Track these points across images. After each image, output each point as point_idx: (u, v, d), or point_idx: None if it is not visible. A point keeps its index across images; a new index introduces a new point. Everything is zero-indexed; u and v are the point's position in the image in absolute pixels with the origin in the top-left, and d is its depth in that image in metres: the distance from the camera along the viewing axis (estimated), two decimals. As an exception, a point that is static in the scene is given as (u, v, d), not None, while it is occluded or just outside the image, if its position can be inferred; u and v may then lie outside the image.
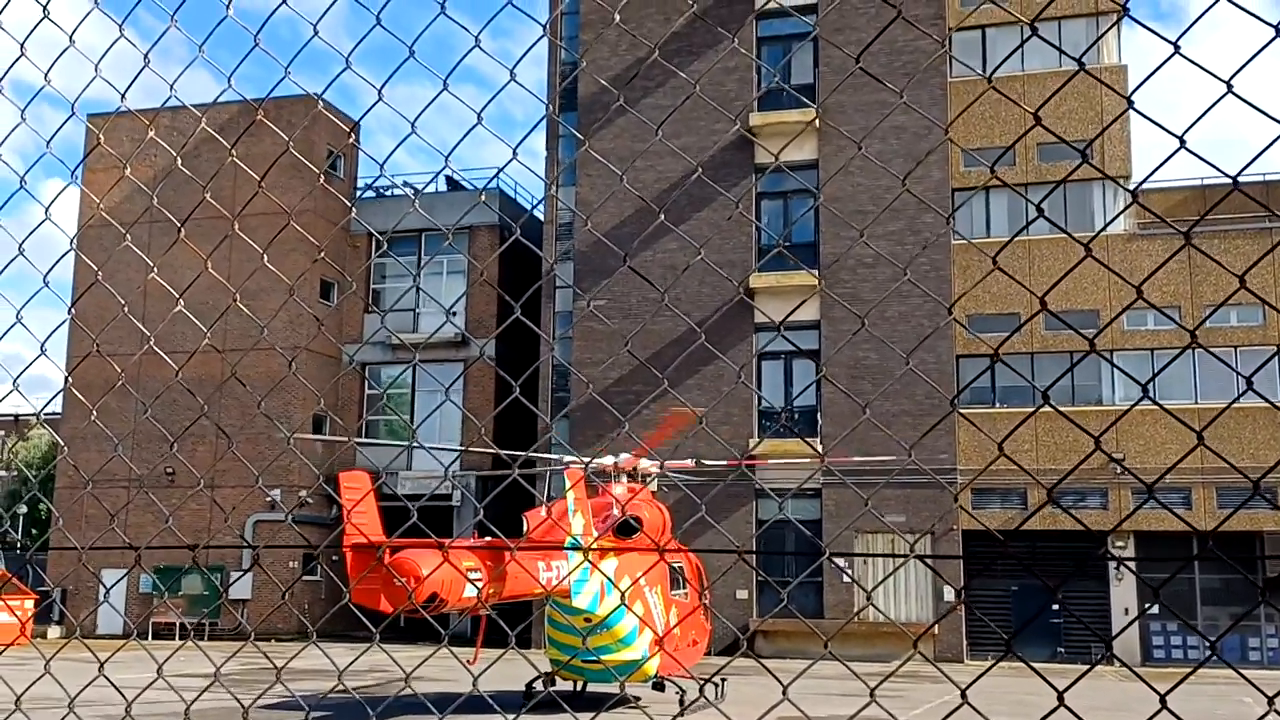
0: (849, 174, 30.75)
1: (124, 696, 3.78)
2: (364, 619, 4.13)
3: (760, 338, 32.01)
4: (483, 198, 35.70)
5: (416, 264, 38.30)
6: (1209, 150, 2.50)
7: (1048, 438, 30.19)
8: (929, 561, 28.94)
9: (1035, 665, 2.59)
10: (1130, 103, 2.72)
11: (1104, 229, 3.94)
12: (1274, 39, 2.16)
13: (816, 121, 31.71)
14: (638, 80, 32.75)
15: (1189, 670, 2.37)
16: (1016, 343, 30.96)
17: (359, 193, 40.27)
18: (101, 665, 3.73)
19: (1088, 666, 2.52)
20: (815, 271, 31.21)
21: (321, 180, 35.98)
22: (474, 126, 2.78)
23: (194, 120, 32.86)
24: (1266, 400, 2.37)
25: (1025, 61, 32.43)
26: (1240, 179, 2.51)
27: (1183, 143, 2.48)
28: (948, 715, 2.27)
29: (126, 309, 4.33)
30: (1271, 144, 2.16)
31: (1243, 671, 2.83)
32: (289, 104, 34.91)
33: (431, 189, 38.72)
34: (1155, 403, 2.74)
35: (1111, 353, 30.62)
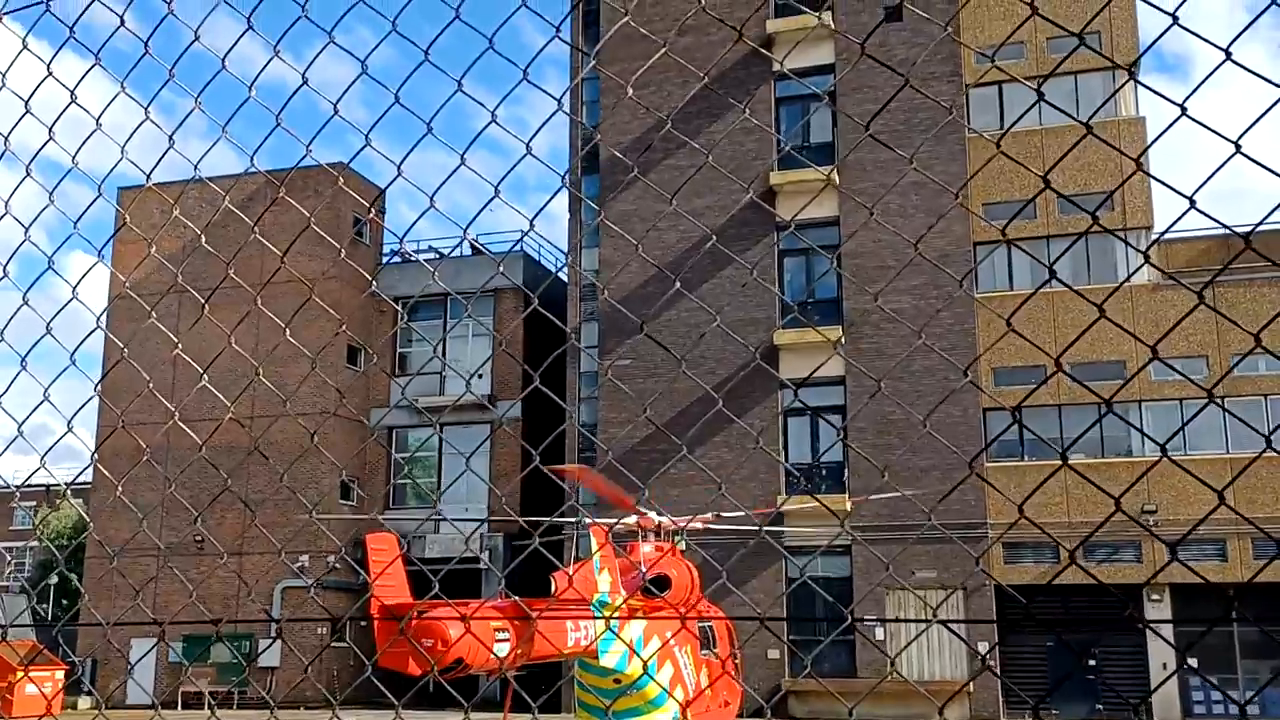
0: (870, 229, 30.86)
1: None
2: (382, 687, 4.13)
3: (786, 394, 31.96)
4: (500, 268, 35.99)
5: (442, 327, 38.57)
6: (1227, 200, 2.54)
7: (1078, 490, 29.87)
8: (953, 626, 28.57)
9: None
10: (1139, 164, 2.76)
11: (1123, 283, 3.97)
12: (1278, 102, 2.20)
13: (836, 179, 31.92)
14: (659, 141, 33.10)
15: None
16: (1043, 395, 30.78)
17: (385, 259, 40.70)
18: None
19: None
20: (836, 328, 31.22)
21: (342, 254, 36.32)
22: (491, 200, 2.84)
23: (223, 190, 33.42)
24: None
25: (1043, 115, 32.56)
26: (1263, 229, 2.55)
27: (1193, 203, 2.52)
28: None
29: (152, 384, 4.39)
30: None
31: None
32: (316, 173, 35.45)
33: (455, 252, 39.10)
34: (1175, 463, 2.75)
35: (1140, 404, 30.39)
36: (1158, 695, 29.52)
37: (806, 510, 29.59)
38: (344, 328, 29.13)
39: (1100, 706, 29.51)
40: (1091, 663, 30.48)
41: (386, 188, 3.37)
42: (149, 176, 3.47)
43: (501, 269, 35.78)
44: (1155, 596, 29.62)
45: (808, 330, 31.45)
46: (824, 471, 32.15)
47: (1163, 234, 2.94)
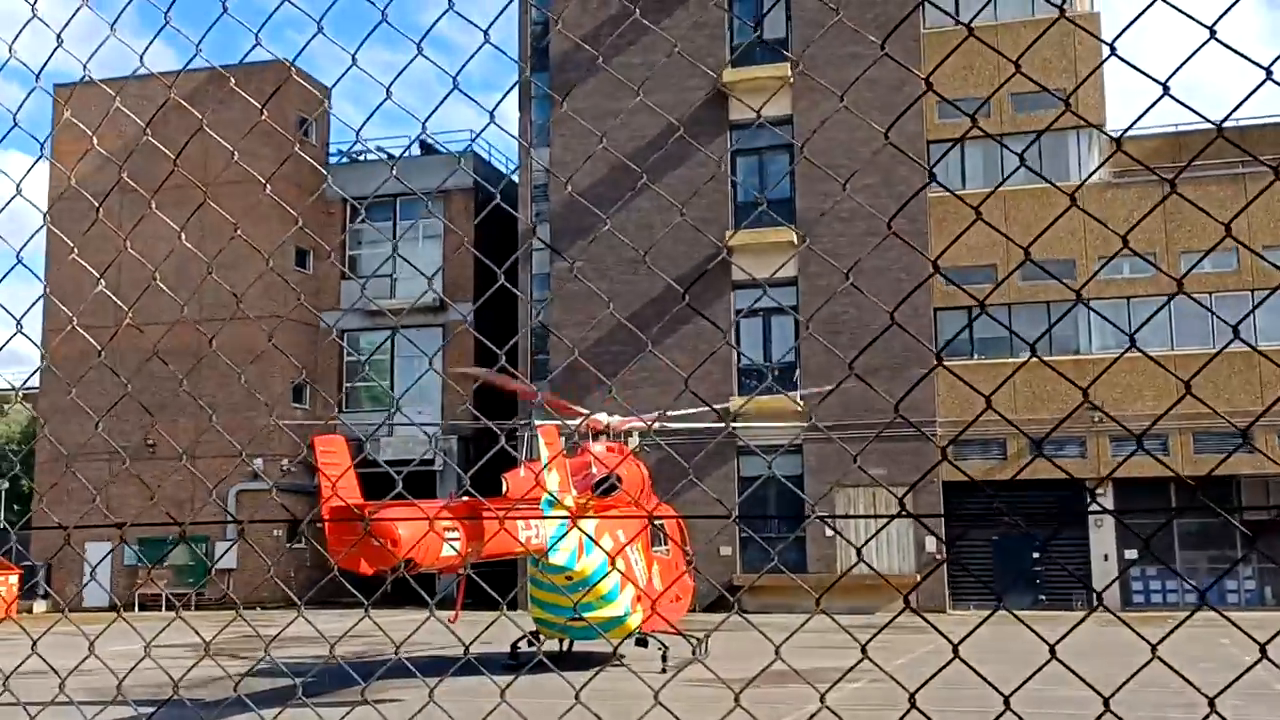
0: (823, 128, 30.63)
1: (114, 674, 3.78)
2: (350, 587, 4.14)
3: (738, 297, 32.02)
4: (461, 163, 35.44)
5: (392, 229, 38.08)
6: (1181, 97, 2.51)
7: (1025, 388, 30.39)
8: (915, 518, 29.07)
9: (1018, 613, 2.62)
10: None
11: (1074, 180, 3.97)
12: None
13: (790, 77, 31.58)
14: (610, 37, 32.48)
15: (1181, 617, 2.39)
16: (994, 295, 31.07)
17: (331, 158, 39.95)
18: (92, 643, 3.73)
19: (1078, 615, 2.55)
20: (790, 228, 31.20)
21: (296, 147, 35.62)
22: (449, 93, 2.74)
23: (162, 88, 32.48)
24: (1249, 344, 2.40)
25: (999, 11, 32.35)
26: (1209, 129, 2.53)
27: (1166, 90, 2.48)
28: (941, 668, 2.29)
29: (99, 286, 4.23)
30: (1247, 97, 2.17)
31: (1222, 613, 2.86)
32: (258, 70, 34.50)
33: (404, 153, 38.44)
34: (1142, 352, 2.76)
35: (1088, 302, 30.79)
36: (1098, 586, 30.44)
37: (758, 414, 29.85)
38: (300, 224, 28.60)
39: (1043, 597, 30.41)
40: (1035, 555, 31.33)
41: (336, 83, 3.23)
42: (85, 65, 3.32)
43: (460, 163, 35.23)
44: (1099, 491, 30.35)
45: (760, 231, 31.38)
46: (776, 373, 32.37)
47: (1129, 127, 2.91)
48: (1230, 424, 2.35)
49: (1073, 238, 30.86)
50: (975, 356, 31.62)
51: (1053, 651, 2.28)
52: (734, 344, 32.01)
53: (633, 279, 31.36)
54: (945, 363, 2.58)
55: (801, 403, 29.47)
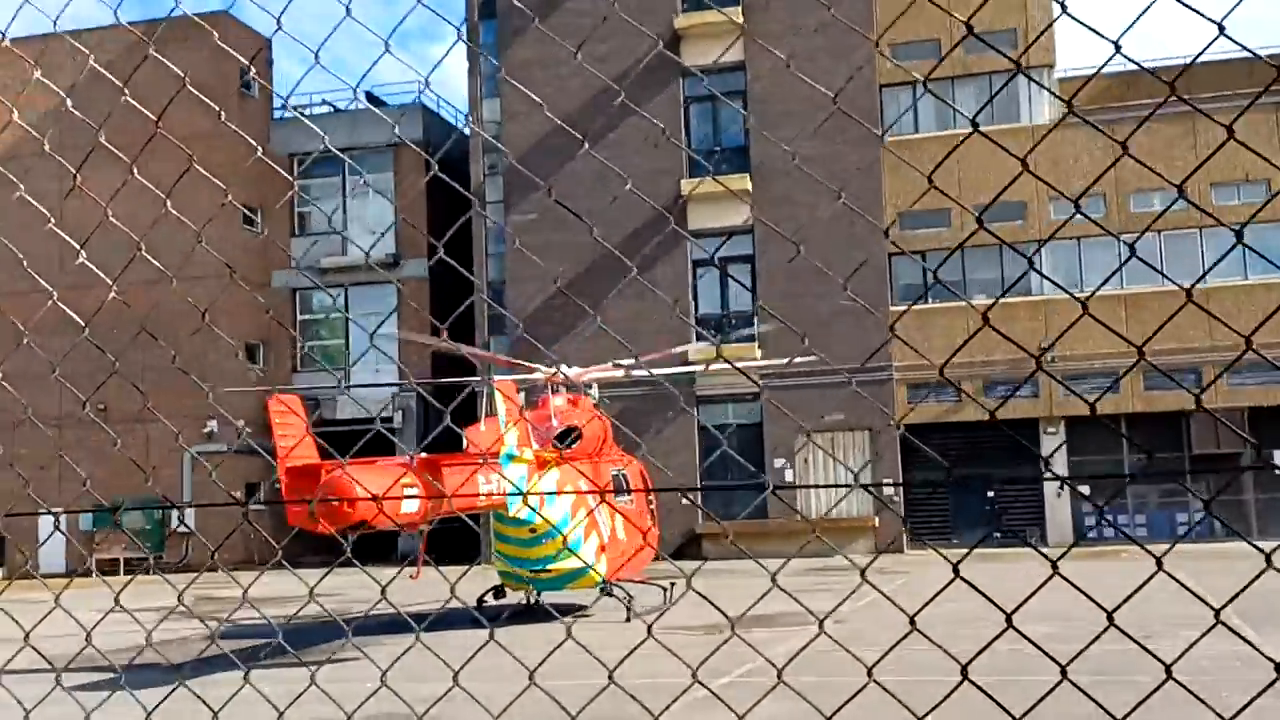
0: (776, 73, 30.46)
1: (82, 627, 3.71)
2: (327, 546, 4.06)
3: (694, 245, 31.90)
4: (397, 127, 34.90)
5: (341, 184, 37.54)
6: (1128, 38, 2.44)
7: (981, 331, 30.61)
8: (873, 490, 29.40)
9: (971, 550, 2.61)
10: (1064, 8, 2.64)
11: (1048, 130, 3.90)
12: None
13: (742, 22, 31.30)
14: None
15: (1133, 550, 2.37)
16: (946, 238, 31.22)
17: (275, 113, 39.22)
18: (57, 597, 3.69)
19: (1031, 551, 2.53)
20: (744, 176, 31.08)
21: (228, 113, 34.88)
22: (380, 56, 2.62)
23: (95, 43, 31.63)
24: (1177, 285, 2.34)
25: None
26: (1158, 64, 2.46)
27: (1118, 48, 2.41)
28: (942, 589, 2.26)
29: (33, 255, 3.99)
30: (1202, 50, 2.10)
31: (1142, 543, 2.86)
32: (193, 24, 33.65)
33: (349, 106, 37.84)
34: (1092, 316, 2.71)
35: (1039, 243, 31.00)
36: (1052, 521, 30.98)
37: (715, 363, 29.86)
38: (231, 197, 28.10)
39: (998, 534, 30.86)
40: (990, 494, 31.77)
41: (271, 36, 3.08)
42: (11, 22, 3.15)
43: (398, 129, 34.69)
44: (1051, 429, 30.77)
45: (716, 180, 31.25)
46: (734, 321, 32.40)
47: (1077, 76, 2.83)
48: (1152, 363, 2.30)
49: (1023, 180, 30.94)
50: (930, 300, 31.80)
51: (1054, 567, 2.25)
52: (676, 306, 31.94)
53: (589, 229, 31.12)
54: (897, 308, 2.52)
55: (757, 353, 29.53)
